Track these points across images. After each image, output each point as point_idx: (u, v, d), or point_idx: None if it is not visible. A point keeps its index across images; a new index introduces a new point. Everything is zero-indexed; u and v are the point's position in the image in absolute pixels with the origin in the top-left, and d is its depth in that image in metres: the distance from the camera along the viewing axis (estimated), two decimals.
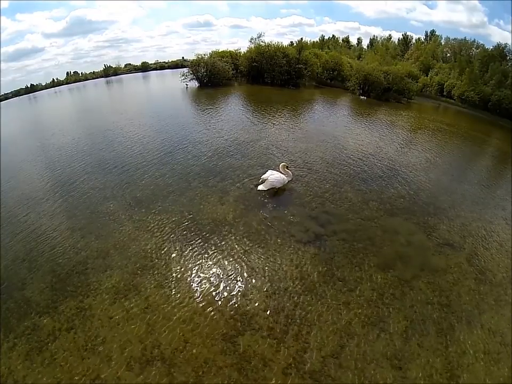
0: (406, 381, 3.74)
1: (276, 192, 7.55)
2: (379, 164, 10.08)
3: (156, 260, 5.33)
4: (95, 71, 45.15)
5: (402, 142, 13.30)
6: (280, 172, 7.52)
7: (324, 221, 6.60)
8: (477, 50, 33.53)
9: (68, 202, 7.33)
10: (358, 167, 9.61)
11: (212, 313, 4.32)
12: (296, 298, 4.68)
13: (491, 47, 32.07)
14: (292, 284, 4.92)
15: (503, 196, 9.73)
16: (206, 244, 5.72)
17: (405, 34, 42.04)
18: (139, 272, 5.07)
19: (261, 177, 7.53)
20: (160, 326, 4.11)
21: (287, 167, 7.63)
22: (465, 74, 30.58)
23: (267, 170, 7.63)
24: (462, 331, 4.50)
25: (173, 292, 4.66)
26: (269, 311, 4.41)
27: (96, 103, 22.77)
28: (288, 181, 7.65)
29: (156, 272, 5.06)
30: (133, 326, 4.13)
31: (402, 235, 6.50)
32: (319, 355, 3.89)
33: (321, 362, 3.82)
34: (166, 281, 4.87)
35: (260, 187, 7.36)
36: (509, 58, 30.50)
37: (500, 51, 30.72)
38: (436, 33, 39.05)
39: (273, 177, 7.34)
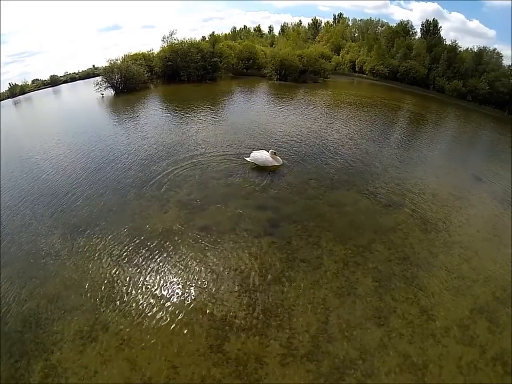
0: (392, 333, 4.13)
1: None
2: (310, 143, 10.60)
3: (114, 289, 4.81)
4: None
5: (326, 118, 14.26)
6: (270, 156, 8.52)
7: (271, 208, 6.70)
8: (382, 28, 37.60)
9: None
10: (290, 149, 9.96)
11: (190, 329, 4.10)
12: (267, 289, 4.70)
13: (394, 25, 36.28)
14: (258, 277, 4.93)
15: (427, 153, 11.17)
16: (160, 259, 5.36)
17: (314, 18, 44.99)
18: (100, 307, 4.52)
19: (251, 152, 8.73)
20: (142, 358, 3.77)
21: (274, 153, 8.57)
22: (373, 51, 34.08)
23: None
24: (424, 277, 5.14)
25: (143, 318, 4.28)
26: (245, 310, 4.37)
27: (7, 129, 19.28)
28: (277, 165, 8.56)
29: (117, 302, 4.57)
30: (113, 368, 3.69)
31: (349, 205, 7.00)
32: (308, 336, 4.03)
33: (312, 342, 3.96)
34: (132, 308, 4.45)
35: (246, 158, 8.64)
36: (412, 33, 34.80)
37: (403, 27, 34.82)
38: (343, 15, 42.42)
39: (257, 154, 8.53)
